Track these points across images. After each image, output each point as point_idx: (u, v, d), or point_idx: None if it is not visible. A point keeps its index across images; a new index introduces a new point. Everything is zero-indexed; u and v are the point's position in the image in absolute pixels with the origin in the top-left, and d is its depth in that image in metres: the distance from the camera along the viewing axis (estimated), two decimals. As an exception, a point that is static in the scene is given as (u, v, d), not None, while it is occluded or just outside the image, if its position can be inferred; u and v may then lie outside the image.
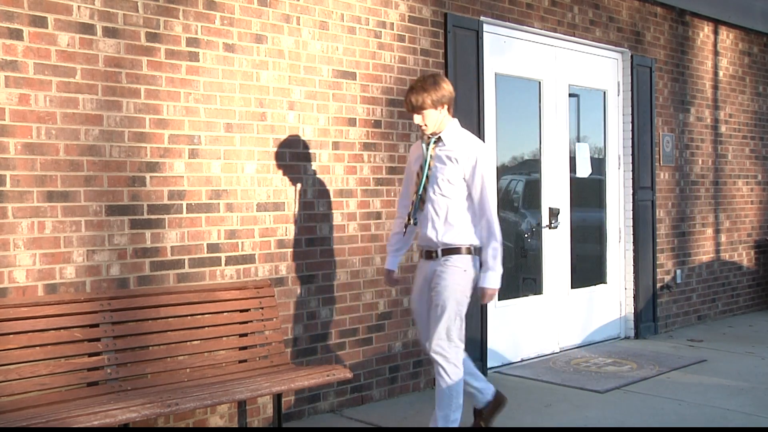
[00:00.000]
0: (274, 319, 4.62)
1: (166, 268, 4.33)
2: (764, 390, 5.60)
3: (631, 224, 7.45)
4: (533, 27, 6.44)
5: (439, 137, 4.22)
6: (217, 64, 4.54)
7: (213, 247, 4.53)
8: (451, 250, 4.18)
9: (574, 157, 7.10)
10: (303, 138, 4.95)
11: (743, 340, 7.42)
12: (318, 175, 5.03)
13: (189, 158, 4.43)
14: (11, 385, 3.63)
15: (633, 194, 7.43)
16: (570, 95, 7.03)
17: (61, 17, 3.95)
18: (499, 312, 6.33)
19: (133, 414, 3.41)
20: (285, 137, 4.86)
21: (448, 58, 5.74)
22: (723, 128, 8.66)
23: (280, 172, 4.85)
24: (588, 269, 7.33)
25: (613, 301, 7.46)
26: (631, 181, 7.44)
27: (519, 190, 6.91)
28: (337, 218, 5.13)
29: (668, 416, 5.01)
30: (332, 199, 5.11)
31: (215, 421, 4.52)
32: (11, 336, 3.67)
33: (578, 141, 7.18)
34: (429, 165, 4.21)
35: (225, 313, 4.42)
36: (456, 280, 4.15)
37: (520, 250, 6.85)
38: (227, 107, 4.60)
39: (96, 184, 4.08)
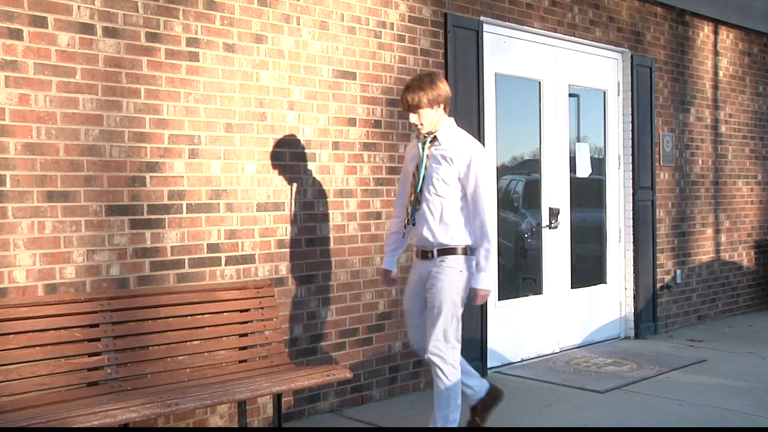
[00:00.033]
0: (274, 319, 4.62)
1: (166, 268, 4.33)
2: (764, 390, 5.60)
3: (631, 224, 7.45)
4: (533, 27, 6.44)
5: (435, 136, 4.21)
6: (217, 64, 4.54)
7: (213, 247, 4.53)
8: (447, 251, 4.17)
9: (574, 157, 7.10)
10: (303, 138, 4.95)
11: (743, 340, 7.42)
12: (318, 175, 5.03)
13: (189, 158, 4.43)
14: (11, 385, 3.63)
15: (633, 194, 7.43)
16: (570, 95, 7.03)
17: (61, 17, 3.95)
18: (499, 312, 6.34)
19: (133, 414, 3.41)
20: (285, 137, 4.86)
21: (448, 58, 5.74)
22: (723, 128, 8.66)
23: (280, 172, 4.85)
24: (588, 269, 7.33)
25: (613, 301, 7.46)
26: (631, 181, 7.44)
27: (519, 190, 6.91)
28: (337, 218, 5.13)
29: (668, 416, 5.01)
30: (332, 199, 5.11)
31: (215, 421, 4.52)
32: (11, 336, 3.67)
33: (578, 141, 7.18)
34: (425, 165, 4.21)
35: (225, 313, 4.42)
36: (452, 281, 4.14)
37: (520, 250, 6.85)
38: (227, 107, 4.60)
39: (96, 184, 4.08)
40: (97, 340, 3.91)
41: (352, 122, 5.21)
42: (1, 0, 3.77)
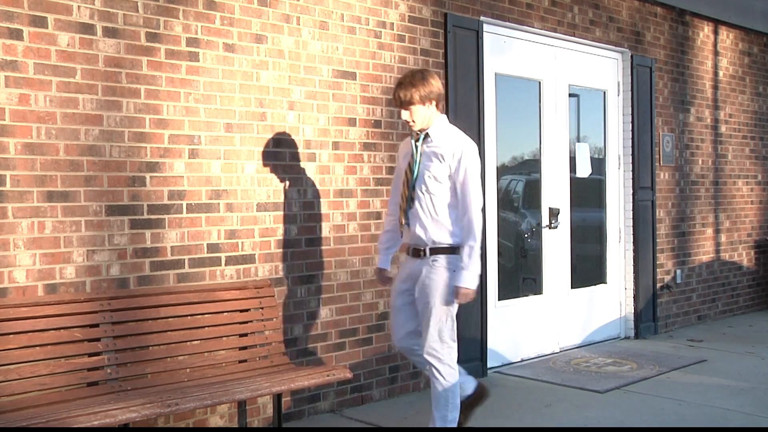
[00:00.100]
0: (274, 319, 4.62)
1: (166, 268, 4.33)
2: (764, 390, 5.60)
3: (631, 224, 7.45)
4: (533, 27, 6.44)
5: (427, 133, 4.20)
6: (217, 64, 4.54)
7: (213, 247, 4.53)
8: (439, 250, 4.13)
9: (574, 157, 7.10)
10: (303, 138, 4.95)
11: (743, 340, 7.42)
12: (318, 175, 5.03)
13: (189, 158, 4.43)
14: (11, 385, 3.63)
15: (633, 194, 7.43)
16: (570, 95, 7.03)
17: (61, 17, 3.95)
18: (499, 312, 6.34)
19: (133, 414, 3.41)
20: (285, 137, 4.86)
21: (448, 58, 5.74)
22: (723, 128, 8.66)
23: (280, 172, 4.85)
24: (588, 269, 7.33)
25: (613, 301, 7.46)
26: (631, 181, 7.44)
27: (519, 190, 6.91)
28: (337, 218, 5.13)
29: (668, 416, 5.01)
30: (332, 199, 5.11)
31: (215, 421, 4.52)
32: (11, 336, 3.68)
33: (578, 141, 7.18)
34: (418, 162, 4.19)
35: (225, 313, 4.42)
36: (444, 281, 4.10)
37: (520, 250, 6.85)
38: (227, 107, 4.60)
39: (96, 184, 4.08)
40: (97, 340, 3.91)
41: (352, 122, 5.21)
42: (1, 0, 3.77)
